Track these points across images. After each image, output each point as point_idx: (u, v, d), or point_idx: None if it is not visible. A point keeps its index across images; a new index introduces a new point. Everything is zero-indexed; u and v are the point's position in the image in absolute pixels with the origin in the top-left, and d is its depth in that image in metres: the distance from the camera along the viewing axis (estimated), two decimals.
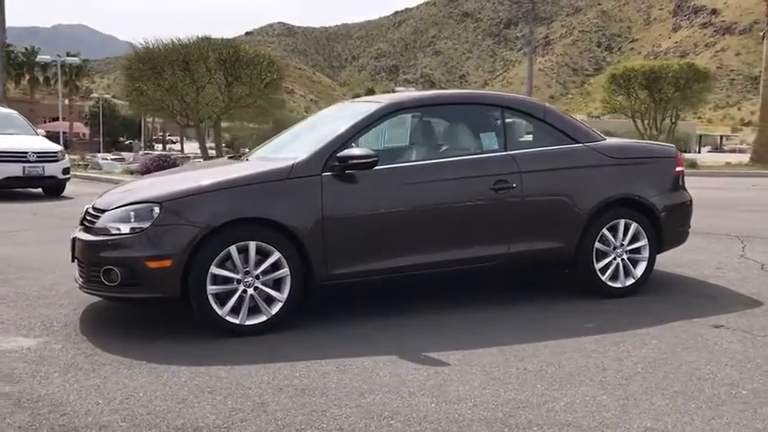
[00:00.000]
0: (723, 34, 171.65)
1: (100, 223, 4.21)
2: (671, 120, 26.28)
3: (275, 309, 4.17)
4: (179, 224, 4.03)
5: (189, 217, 4.04)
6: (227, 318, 4.09)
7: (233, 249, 4.06)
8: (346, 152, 4.27)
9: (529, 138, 5.06)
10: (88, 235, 4.29)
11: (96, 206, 4.46)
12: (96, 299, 4.94)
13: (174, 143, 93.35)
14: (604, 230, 4.94)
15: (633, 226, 5.02)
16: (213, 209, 4.07)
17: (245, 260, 4.10)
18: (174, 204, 4.06)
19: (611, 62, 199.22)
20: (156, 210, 4.04)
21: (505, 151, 4.78)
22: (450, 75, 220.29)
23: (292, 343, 4.03)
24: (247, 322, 4.13)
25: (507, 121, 4.87)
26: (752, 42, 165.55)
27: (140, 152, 46.46)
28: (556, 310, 4.76)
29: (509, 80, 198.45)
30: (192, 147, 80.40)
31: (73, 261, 4.45)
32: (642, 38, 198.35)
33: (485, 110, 4.97)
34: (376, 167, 4.30)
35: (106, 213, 4.21)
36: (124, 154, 50.23)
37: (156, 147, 70.84)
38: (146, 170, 17.94)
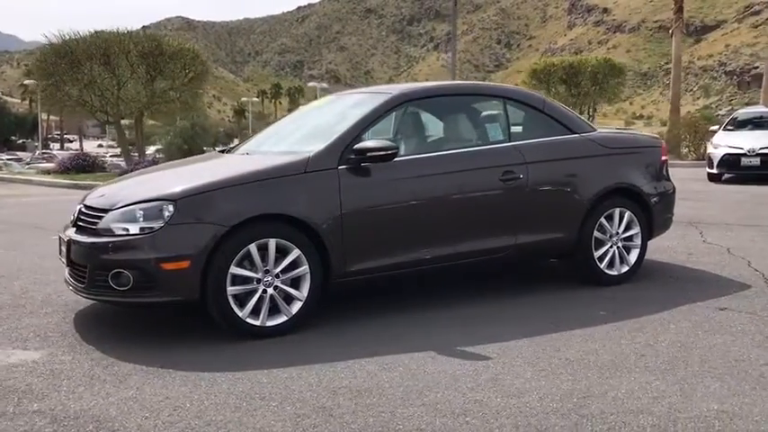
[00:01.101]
0: (614, 32, 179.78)
1: (103, 224, 3.91)
2: (588, 113, 27.29)
3: (295, 308, 4.00)
4: (196, 222, 3.80)
5: (207, 215, 3.81)
6: (248, 319, 3.89)
7: (253, 248, 3.87)
8: (364, 144, 4.14)
9: (518, 129, 5.05)
10: (88, 236, 3.98)
11: (93, 205, 4.15)
12: (82, 305, 4.64)
13: (72, 142, 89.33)
14: (602, 219, 5.02)
15: (627, 214, 5.12)
16: (232, 206, 3.86)
17: (264, 258, 3.91)
18: (189, 202, 3.82)
19: (511, 59, 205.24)
20: (170, 208, 3.79)
21: (510, 142, 4.78)
22: (355, 71, 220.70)
23: (315, 343, 3.88)
24: (268, 323, 3.94)
25: (510, 112, 4.86)
26: (640, 40, 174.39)
27: (37, 152, 44.02)
28: (560, 299, 4.79)
29: (414, 76, 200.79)
30: (91, 145, 77.17)
31: (68, 265, 4.12)
32: (539, 35, 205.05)
33: (489, 101, 4.95)
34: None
35: (110, 213, 3.92)
36: (20, 154, 47.51)
37: (52, 146, 67.45)
38: (65, 169, 17.05)
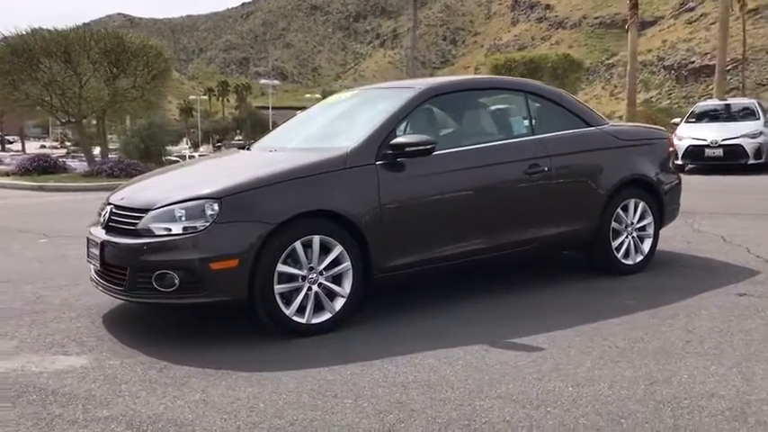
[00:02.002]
0: (556, 28, 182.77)
1: (143, 224, 3.81)
2: None
3: (338, 305, 3.98)
4: (243, 221, 3.74)
5: (253, 213, 3.76)
6: (294, 317, 3.85)
7: (298, 245, 3.83)
8: (402, 139, 4.13)
9: (540, 122, 5.11)
10: (126, 238, 3.87)
11: (127, 205, 4.04)
12: (106, 308, 4.54)
13: (12, 143, 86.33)
14: (619, 210, 5.12)
15: (641, 205, 5.25)
16: (277, 203, 3.81)
17: (308, 256, 3.88)
18: (235, 200, 3.75)
19: (456, 55, 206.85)
20: (215, 206, 3.72)
21: (533, 135, 4.84)
22: (302, 68, 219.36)
23: (361, 339, 3.87)
24: (313, 321, 3.91)
25: (531, 105, 4.93)
26: (582, 36, 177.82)
27: None
28: (584, 289, 4.86)
29: (361, 73, 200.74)
30: (33, 146, 74.64)
31: (102, 267, 4.00)
32: (484, 32, 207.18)
33: (510, 94, 5.01)
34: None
35: (150, 213, 3.82)
36: None
37: None
38: (25, 171, 16.51)
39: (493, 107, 4.93)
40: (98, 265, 4.03)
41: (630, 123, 7.44)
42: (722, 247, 6.25)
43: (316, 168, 4.02)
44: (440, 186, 4.33)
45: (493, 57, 35.20)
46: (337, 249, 3.94)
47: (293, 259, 3.85)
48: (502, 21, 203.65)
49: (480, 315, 4.29)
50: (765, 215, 8.23)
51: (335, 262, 3.95)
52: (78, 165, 23.13)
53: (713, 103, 17.24)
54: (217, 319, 4.28)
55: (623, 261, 5.18)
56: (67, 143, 63.26)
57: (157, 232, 3.77)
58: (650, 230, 5.33)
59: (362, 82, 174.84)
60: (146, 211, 3.86)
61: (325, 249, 3.93)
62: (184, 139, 69.26)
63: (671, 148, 5.65)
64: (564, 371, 3.32)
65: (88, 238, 4.23)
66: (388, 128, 4.25)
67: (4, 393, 3.15)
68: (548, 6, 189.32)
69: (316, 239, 3.88)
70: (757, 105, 15.28)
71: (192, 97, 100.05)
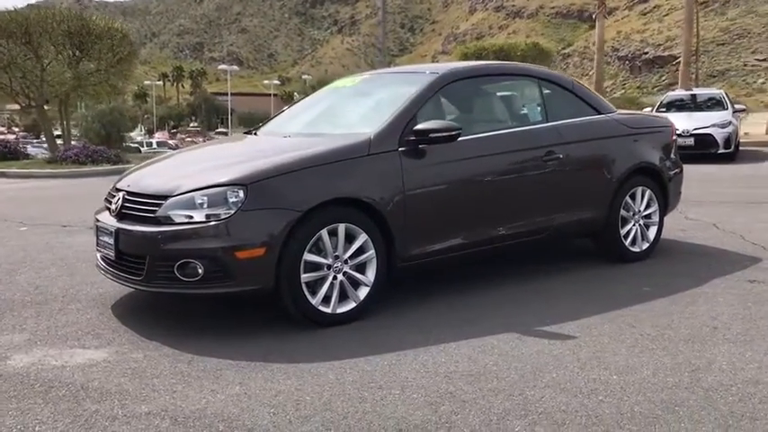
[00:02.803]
0: (514, 18, 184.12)
1: (162, 211, 3.66)
2: None
3: (362, 294, 3.90)
4: (270, 208, 3.62)
5: (280, 200, 3.64)
6: (320, 307, 3.76)
7: (324, 233, 3.73)
8: (427, 125, 4.05)
9: (553, 109, 5.05)
10: (144, 225, 3.72)
11: (143, 192, 3.87)
12: (111, 298, 4.38)
13: None
14: (627, 198, 5.14)
15: (648, 192, 5.27)
16: (303, 190, 3.70)
17: (334, 244, 3.78)
18: (261, 186, 3.63)
19: (415, 43, 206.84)
20: (240, 193, 3.59)
21: (548, 122, 4.81)
22: (258, 53, 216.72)
23: (388, 329, 3.78)
24: (338, 310, 3.82)
25: (544, 92, 4.89)
26: (539, 26, 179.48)
27: None
28: (593, 276, 4.86)
29: (318, 59, 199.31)
30: None
31: (117, 256, 3.84)
32: (442, 20, 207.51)
33: (525, 81, 4.96)
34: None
35: (170, 200, 3.67)
36: None
37: None
38: None
39: (508, 93, 4.88)
40: (112, 254, 3.86)
41: (634, 111, 7.47)
42: (717, 234, 6.33)
43: (340, 154, 3.91)
44: (461, 173, 4.27)
45: (463, 45, 35.08)
46: (362, 238, 3.85)
47: (317, 248, 3.75)
48: (460, 9, 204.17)
49: (501, 303, 4.25)
50: (748, 203, 8.38)
51: (360, 250, 3.87)
52: (35, 150, 22.42)
53: (682, 93, 17.52)
54: (226, 309, 4.15)
55: (631, 248, 5.20)
56: (15, 129, 61.32)
57: (177, 220, 3.63)
58: (655, 218, 5.36)
59: (320, 68, 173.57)
60: (164, 197, 3.71)
61: (349, 238, 3.83)
62: (139, 126, 67.75)
63: (674, 137, 5.69)
64: (603, 359, 3.30)
65: (98, 226, 4.05)
66: (410, 113, 4.16)
67: (31, 388, 3.00)
68: None
69: (341, 227, 3.78)
70: (725, 95, 15.57)
71: (147, 83, 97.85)
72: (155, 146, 39.42)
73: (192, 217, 3.61)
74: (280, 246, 3.58)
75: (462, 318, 3.98)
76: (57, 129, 25.41)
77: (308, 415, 2.74)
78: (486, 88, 4.82)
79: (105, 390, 2.99)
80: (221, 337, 3.70)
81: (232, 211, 3.56)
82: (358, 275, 3.87)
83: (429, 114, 4.27)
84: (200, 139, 31.28)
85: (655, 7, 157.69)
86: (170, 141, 44.00)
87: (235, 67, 65.73)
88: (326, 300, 3.79)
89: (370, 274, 3.91)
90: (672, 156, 5.57)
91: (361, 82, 5.02)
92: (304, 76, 66.87)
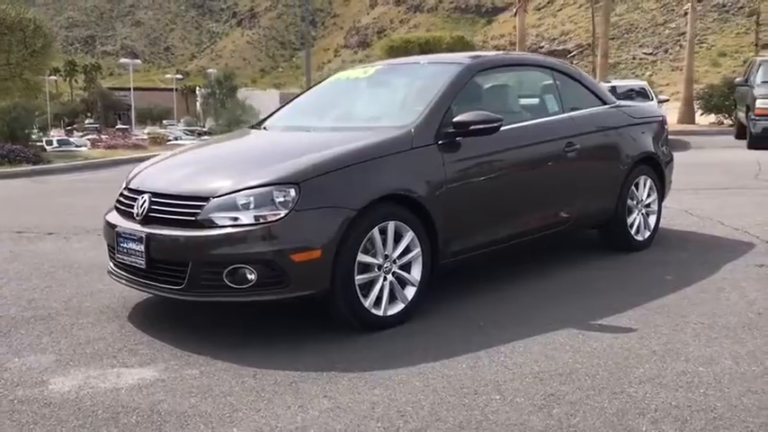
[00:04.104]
0: (414, 12, 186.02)
1: (204, 214, 3.37)
2: None
3: (410, 294, 3.73)
4: (323, 207, 3.39)
5: (332, 198, 3.42)
6: (372, 310, 3.57)
7: (376, 232, 3.54)
8: (467, 117, 3.91)
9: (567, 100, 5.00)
10: (182, 230, 3.41)
11: (175, 193, 3.56)
12: (127, 309, 4.02)
13: None
14: (632, 187, 5.19)
15: (649, 182, 5.34)
16: (355, 186, 3.49)
17: (384, 243, 3.60)
18: (314, 184, 3.39)
19: (316, 36, 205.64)
20: (292, 192, 3.35)
21: (564, 113, 4.78)
22: (153, 47, 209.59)
23: (437, 331, 3.64)
24: (389, 312, 3.64)
25: (558, 83, 4.85)
26: (438, 20, 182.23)
27: None
28: (608, 268, 4.86)
29: (218, 53, 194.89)
30: None
31: (148, 265, 3.50)
32: (343, 13, 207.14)
33: (542, 72, 4.90)
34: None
35: (213, 201, 3.38)
36: None
37: None
38: None
39: (529, 83, 4.82)
40: (140, 262, 3.52)
41: (636, 103, 7.59)
42: (696, 221, 6.50)
43: (385, 149, 3.72)
44: (498, 165, 4.17)
45: (389, 38, 35.05)
46: (409, 236, 3.68)
47: (365, 248, 3.55)
48: (360, 3, 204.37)
49: (536, 299, 4.17)
50: (707, 189, 8.67)
51: (406, 249, 3.70)
52: None
53: (609, 85, 18.05)
54: (250, 317, 3.89)
55: (636, 237, 5.26)
56: None
57: (221, 223, 3.35)
58: (655, 207, 5.44)
59: (220, 62, 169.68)
60: (205, 199, 3.41)
61: (396, 236, 3.66)
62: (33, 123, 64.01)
63: (666, 126, 5.80)
64: (677, 351, 3.28)
65: (118, 232, 3.69)
66: (445, 105, 4.02)
67: (95, 416, 2.68)
68: None
69: (391, 225, 3.60)
70: (648, 87, 16.17)
71: (39, 78, 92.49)
72: (55, 144, 37.30)
73: (237, 219, 3.34)
74: (335, 247, 3.37)
75: (509, 316, 3.87)
76: None
77: (421, 427, 2.56)
78: (509, 79, 4.75)
79: (180, 412, 2.71)
80: (269, 346, 3.45)
81: (284, 212, 3.32)
82: (406, 275, 3.71)
83: (461, 106, 4.14)
84: (105, 136, 29.39)
85: (548, 2, 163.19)
86: (71, 139, 41.71)
87: (138, 61, 63.22)
88: (378, 302, 3.60)
89: (416, 273, 3.75)
90: (666, 144, 5.67)
91: (375, 73, 4.81)
92: (209, 70, 65.04)
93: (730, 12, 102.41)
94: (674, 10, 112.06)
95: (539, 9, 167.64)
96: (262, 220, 3.32)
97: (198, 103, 69.88)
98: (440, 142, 3.90)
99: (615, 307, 3.94)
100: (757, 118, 13.58)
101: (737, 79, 16.23)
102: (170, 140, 31.32)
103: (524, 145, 4.34)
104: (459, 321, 3.78)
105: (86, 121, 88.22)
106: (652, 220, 5.43)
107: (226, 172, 3.65)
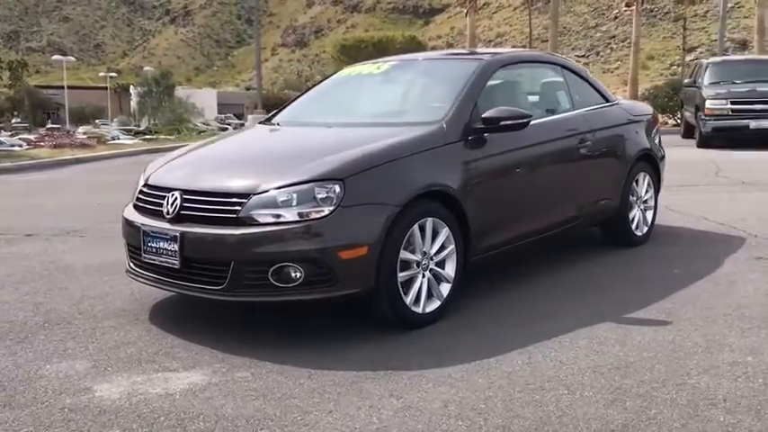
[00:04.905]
0: (352, 12, 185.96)
1: (246, 211, 3.25)
2: None
3: (445, 291, 3.70)
4: (370, 203, 3.32)
5: (376, 194, 3.36)
6: (412, 308, 3.52)
7: (416, 228, 3.49)
8: (496, 113, 3.89)
9: (548, 97, 5.05)
10: (222, 228, 3.28)
11: (207, 190, 3.42)
12: (145, 312, 3.86)
13: None
14: (633, 183, 5.28)
15: (647, 178, 5.45)
16: (398, 182, 3.44)
17: (423, 240, 3.55)
18: (358, 180, 3.32)
19: (252, 35, 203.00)
20: (337, 188, 3.26)
21: (574, 110, 4.82)
22: (83, 44, 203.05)
23: (473, 327, 3.62)
24: (427, 309, 3.60)
25: (568, 80, 4.89)
26: (376, 20, 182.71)
27: None
28: (611, 264, 4.92)
29: (150, 51, 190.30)
30: None
31: (182, 264, 3.36)
32: (279, 12, 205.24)
33: (553, 69, 4.93)
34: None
35: (255, 198, 3.26)
36: None
37: None
38: None
39: (544, 80, 4.85)
40: (174, 261, 3.38)
41: (630, 101, 7.70)
42: (679, 217, 6.64)
43: (421, 144, 3.67)
44: (522, 162, 4.18)
45: (342, 37, 34.88)
46: (444, 232, 3.65)
47: (406, 245, 3.49)
48: (297, 2, 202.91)
49: (551, 295, 4.18)
50: (677, 186, 8.81)
51: (442, 246, 3.66)
52: None
53: None
54: (274, 316, 3.79)
55: (636, 233, 5.35)
56: None
57: (263, 220, 3.24)
58: (651, 202, 5.55)
59: (153, 60, 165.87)
60: (245, 195, 3.29)
61: (433, 233, 3.62)
62: None
63: (658, 123, 5.92)
64: (720, 341, 3.33)
65: (145, 231, 3.52)
66: (472, 101, 4.00)
67: (160, 423, 2.55)
68: None
69: (429, 222, 3.56)
70: None
71: None
72: None
73: (280, 216, 3.24)
74: (381, 243, 3.31)
75: (539, 311, 3.88)
76: None
77: (503, 424, 2.53)
78: (525, 75, 4.76)
79: (249, 416, 2.60)
80: (309, 346, 3.36)
81: (328, 208, 3.23)
82: (441, 271, 3.67)
83: (483, 101, 4.12)
84: (34, 136, 27.99)
85: (484, 5, 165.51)
86: (2, 138, 39.97)
87: (71, 58, 61.12)
88: (417, 300, 3.55)
89: (450, 270, 3.71)
90: (658, 140, 5.79)
91: (390, 69, 4.74)
92: (145, 68, 63.47)
93: (657, 17, 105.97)
94: (604, 14, 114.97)
95: (476, 11, 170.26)
96: (306, 217, 3.23)
97: (132, 102, 68.03)
98: (469, 138, 3.88)
99: (641, 300, 3.98)
100: (707, 118, 14.05)
101: (685, 80, 16.74)
102: (108, 140, 30.35)
103: (545, 141, 4.36)
104: (486, 318, 3.77)
105: (13, 121, 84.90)
106: (649, 215, 5.53)
107: (261, 168, 3.54)
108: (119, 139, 31.80)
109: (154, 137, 25.97)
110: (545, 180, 4.40)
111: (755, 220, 6.21)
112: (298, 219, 3.22)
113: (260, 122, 4.81)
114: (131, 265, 3.75)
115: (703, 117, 14.11)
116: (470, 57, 4.50)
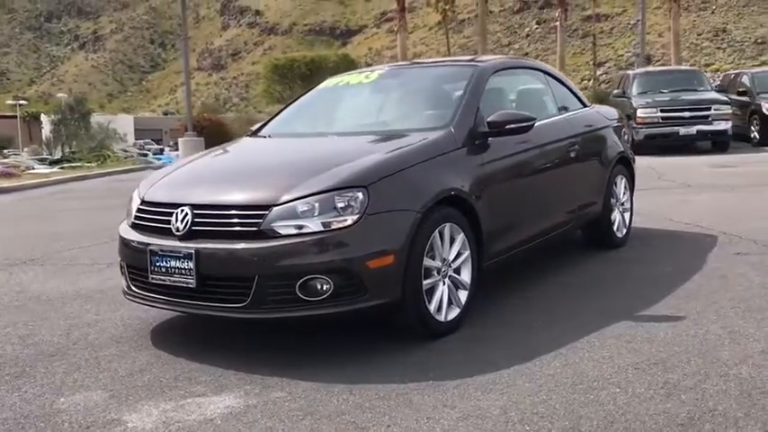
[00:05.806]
0: (269, 34, 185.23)
1: (267, 223, 3.09)
2: None
3: (463, 298, 3.63)
4: (393, 210, 3.22)
5: (399, 200, 3.26)
6: (436, 316, 3.43)
7: (437, 234, 3.41)
8: (501, 116, 3.87)
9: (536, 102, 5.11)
10: (242, 242, 3.10)
11: (221, 203, 3.25)
12: (144, 334, 3.63)
13: None
14: (613, 186, 5.36)
15: (624, 180, 5.55)
16: (416, 188, 3.35)
17: (442, 246, 3.48)
18: (380, 186, 3.21)
19: (167, 59, 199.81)
20: (360, 195, 3.15)
21: (560, 115, 4.87)
22: None
23: (497, 333, 3.57)
24: (449, 317, 3.52)
25: (552, 86, 4.94)
26: (293, 42, 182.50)
27: None
28: (606, 263, 4.99)
29: (60, 77, 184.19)
30: None
31: (199, 283, 3.16)
32: (194, 35, 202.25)
33: (538, 75, 4.95)
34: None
35: (276, 209, 3.11)
36: None
37: None
38: None
39: (531, 87, 4.87)
40: (189, 281, 3.17)
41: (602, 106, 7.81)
42: (644, 219, 6.72)
43: (434, 150, 3.60)
44: (525, 164, 4.19)
45: (274, 57, 34.51)
46: (461, 238, 3.59)
47: (428, 252, 3.41)
48: (212, 25, 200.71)
49: (567, 295, 4.20)
50: None
51: (458, 252, 3.60)
52: None
53: None
54: (280, 332, 3.64)
55: (617, 234, 5.43)
56: None
57: (285, 232, 3.10)
58: (628, 204, 5.65)
59: (63, 87, 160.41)
60: (265, 207, 3.13)
61: (450, 239, 3.55)
62: None
63: (624, 127, 6.06)
64: (738, 332, 3.39)
65: (153, 251, 3.31)
66: (474, 105, 3.97)
67: None
68: (257, 12, 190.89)
69: (447, 228, 3.49)
70: None
71: None
72: None
73: (302, 227, 3.10)
74: (407, 251, 3.21)
75: (559, 312, 3.86)
76: None
77: (570, 426, 2.47)
78: (515, 80, 4.77)
79: None
80: (336, 361, 3.22)
81: (352, 217, 3.12)
82: (458, 278, 3.60)
83: (498, 106, 4.13)
84: None
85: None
86: None
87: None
88: (439, 307, 3.47)
89: (466, 276, 3.65)
90: (627, 144, 5.92)
91: (380, 77, 4.65)
92: (59, 95, 61.24)
93: (567, 33, 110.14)
94: (516, 32, 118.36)
95: (392, 31, 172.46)
96: (330, 227, 3.10)
97: (44, 131, 65.47)
98: (476, 142, 3.84)
99: (648, 299, 4.01)
100: (639, 126, 14.58)
101: (615, 91, 17.33)
102: (23, 170, 29.01)
103: (544, 144, 4.38)
104: (501, 323, 3.72)
105: None
106: (627, 217, 5.63)
107: (276, 179, 3.39)
108: (34, 168, 30.44)
109: (77, 164, 24.90)
110: (546, 183, 4.42)
111: (718, 219, 6.42)
112: (322, 229, 3.09)
113: (247, 135, 4.64)
114: (133, 287, 3.52)
115: (635, 125, 14.62)
116: (463, 63, 4.48)
